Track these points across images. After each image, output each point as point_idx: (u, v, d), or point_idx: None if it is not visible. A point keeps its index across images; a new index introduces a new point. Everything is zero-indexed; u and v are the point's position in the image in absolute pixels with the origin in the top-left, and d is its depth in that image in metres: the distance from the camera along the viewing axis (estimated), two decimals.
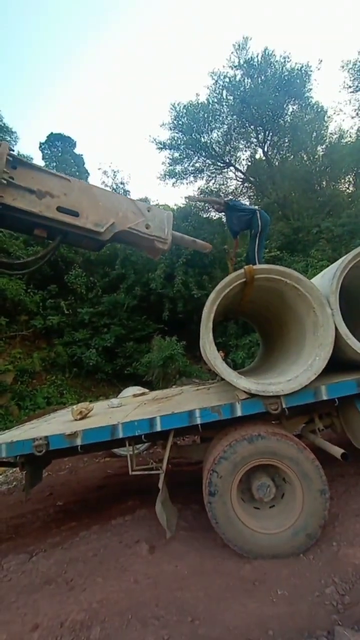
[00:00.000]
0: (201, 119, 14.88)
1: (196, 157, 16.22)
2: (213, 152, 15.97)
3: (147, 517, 3.15)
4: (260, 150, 16.38)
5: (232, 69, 14.45)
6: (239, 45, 14.20)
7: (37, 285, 11.36)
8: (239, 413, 2.59)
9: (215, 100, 14.78)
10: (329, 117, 15.70)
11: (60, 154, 25.87)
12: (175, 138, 15.72)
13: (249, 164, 17.05)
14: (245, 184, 17.59)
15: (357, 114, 15.48)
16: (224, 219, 7.50)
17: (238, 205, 5.08)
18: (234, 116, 14.79)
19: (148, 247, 3.58)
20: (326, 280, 2.93)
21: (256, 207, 5.49)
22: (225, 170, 17.15)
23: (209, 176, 17.08)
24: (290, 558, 2.41)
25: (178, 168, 16.61)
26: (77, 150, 26.91)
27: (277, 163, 16.29)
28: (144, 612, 2.10)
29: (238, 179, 17.55)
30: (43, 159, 25.29)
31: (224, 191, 16.93)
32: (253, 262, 4.43)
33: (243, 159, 17.08)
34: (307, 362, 2.66)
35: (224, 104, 14.75)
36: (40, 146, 26.10)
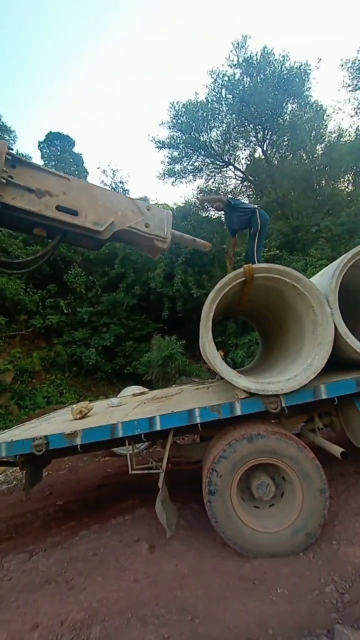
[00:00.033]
0: (200, 118, 14.86)
1: (195, 156, 16.21)
2: (212, 151, 15.96)
3: (147, 516, 3.16)
4: (259, 149, 16.40)
5: (231, 67, 14.45)
6: (238, 44, 14.18)
7: (37, 285, 11.34)
8: (238, 412, 2.59)
9: (214, 99, 14.75)
10: (328, 115, 15.71)
11: (59, 153, 25.84)
12: (175, 137, 15.71)
13: (248, 162, 17.03)
14: (245, 183, 17.58)
15: (357, 112, 15.48)
16: (223, 218, 7.49)
17: (238, 204, 5.08)
18: (233, 115, 14.77)
19: (147, 246, 3.58)
20: (325, 279, 2.93)
21: (255, 205, 5.48)
22: (225, 169, 17.16)
23: (208, 175, 17.10)
24: (290, 557, 2.41)
25: (177, 167, 16.61)
26: (76, 150, 26.92)
27: (276, 162, 16.28)
28: (144, 611, 2.10)
29: (237, 177, 17.56)
30: (42, 158, 25.26)
31: (223, 190, 16.90)
32: (252, 261, 4.42)
33: (242, 158, 17.10)
34: (307, 361, 2.67)
35: (223, 102, 14.73)
36: (39, 145, 26.07)
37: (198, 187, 17.14)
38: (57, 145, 26.11)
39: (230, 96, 14.46)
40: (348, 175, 16.22)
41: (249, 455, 2.49)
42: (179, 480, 3.86)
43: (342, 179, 16.49)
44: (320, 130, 15.43)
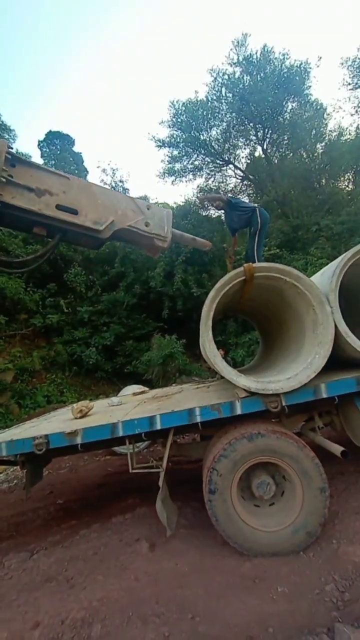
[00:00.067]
0: (200, 117, 14.83)
1: (195, 155, 16.20)
2: (212, 150, 15.93)
3: (147, 515, 3.16)
4: (259, 148, 16.38)
5: (231, 66, 14.42)
6: (238, 42, 14.14)
7: (37, 284, 11.34)
8: (238, 411, 2.59)
9: (214, 97, 14.73)
10: (329, 114, 15.69)
11: (59, 152, 25.81)
12: (175, 136, 15.69)
13: (248, 161, 17.01)
14: (245, 182, 17.56)
15: (357, 111, 15.47)
16: (223, 217, 7.48)
17: (238, 203, 5.07)
18: (233, 114, 14.74)
19: (147, 245, 3.57)
20: (326, 278, 2.93)
21: (255, 204, 5.47)
22: (225, 168, 17.14)
23: (208, 174, 17.09)
24: (290, 556, 2.42)
25: (177, 166, 16.60)
26: (76, 149, 26.89)
27: (276, 161, 16.25)
28: (144, 610, 2.10)
29: (237, 176, 17.55)
30: (42, 157, 25.23)
31: (223, 189, 16.89)
32: (252, 260, 4.42)
33: (242, 157, 17.08)
34: (307, 360, 2.66)
35: (223, 101, 14.70)
36: (39, 144, 26.04)
37: (198, 186, 17.18)
38: (57, 144, 26.07)
39: (230, 95, 14.43)
40: (348, 174, 16.21)
41: (249, 454, 2.49)
42: (179, 479, 3.86)
43: (342, 178, 16.48)
44: (321, 128, 15.40)
